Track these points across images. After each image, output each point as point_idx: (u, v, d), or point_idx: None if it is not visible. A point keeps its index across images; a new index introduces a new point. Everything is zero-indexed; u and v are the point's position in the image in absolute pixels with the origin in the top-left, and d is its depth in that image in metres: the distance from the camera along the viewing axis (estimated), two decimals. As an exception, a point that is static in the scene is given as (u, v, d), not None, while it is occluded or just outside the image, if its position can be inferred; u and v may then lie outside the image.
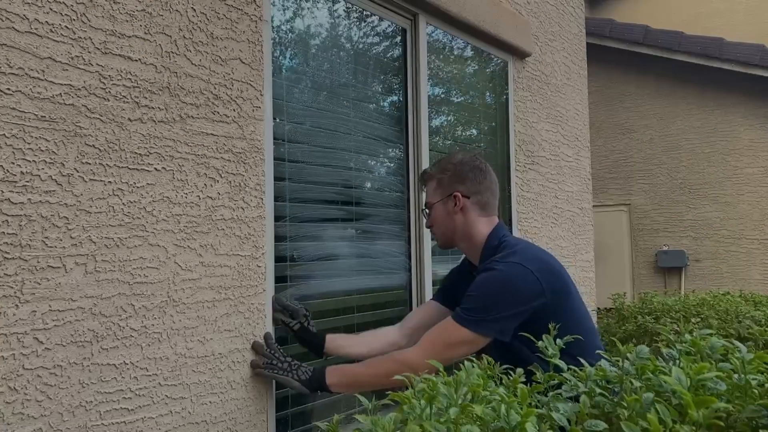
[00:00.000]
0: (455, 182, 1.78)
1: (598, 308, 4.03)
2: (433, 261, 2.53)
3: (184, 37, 1.58)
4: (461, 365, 1.03)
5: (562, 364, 1.13)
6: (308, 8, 2.13)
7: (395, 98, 2.50)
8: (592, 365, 1.31)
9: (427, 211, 1.85)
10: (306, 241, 2.07)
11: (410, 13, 2.51)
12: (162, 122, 1.51)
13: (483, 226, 1.77)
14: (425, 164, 2.51)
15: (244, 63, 1.73)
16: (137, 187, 1.45)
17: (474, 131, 3.03)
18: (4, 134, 1.23)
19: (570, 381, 1.02)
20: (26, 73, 1.26)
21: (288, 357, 1.72)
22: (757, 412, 0.80)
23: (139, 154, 1.46)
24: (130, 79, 1.45)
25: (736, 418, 0.82)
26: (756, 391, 0.86)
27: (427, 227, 1.88)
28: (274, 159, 1.85)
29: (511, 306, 1.56)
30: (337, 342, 1.89)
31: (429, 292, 2.49)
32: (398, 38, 2.52)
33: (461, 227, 1.78)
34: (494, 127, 3.10)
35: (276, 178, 1.87)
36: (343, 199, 2.22)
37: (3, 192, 1.22)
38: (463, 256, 1.92)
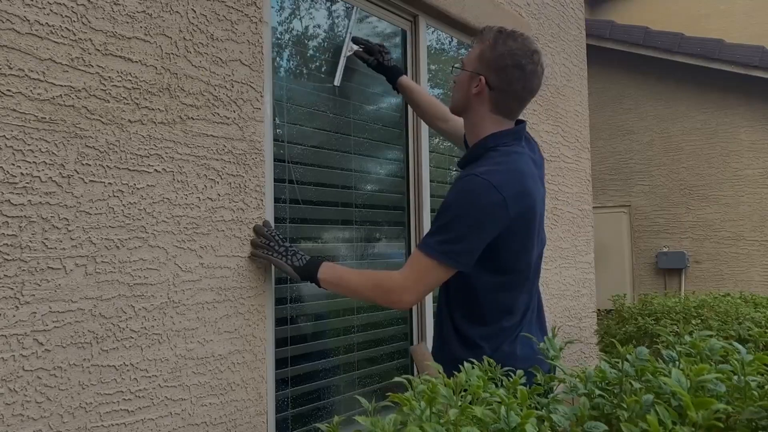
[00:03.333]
0: (490, 67, 1.61)
1: (599, 310, 4.03)
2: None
3: (185, 39, 1.58)
4: (461, 366, 1.03)
5: (564, 367, 1.13)
6: (308, 10, 2.14)
7: (395, 100, 2.50)
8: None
9: (459, 69, 1.72)
10: (306, 243, 2.07)
11: (410, 15, 2.51)
12: (162, 123, 1.51)
13: (490, 123, 1.65)
14: (425, 166, 2.51)
15: (244, 64, 1.73)
16: (137, 189, 1.45)
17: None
18: (4, 135, 1.23)
19: (569, 382, 1.02)
20: (26, 75, 1.26)
21: (286, 242, 1.71)
22: (757, 413, 0.80)
23: (140, 155, 1.46)
24: (130, 80, 1.45)
25: (736, 420, 0.82)
26: (755, 392, 0.86)
27: (454, 81, 1.76)
28: (274, 160, 1.86)
29: (474, 233, 1.53)
30: (409, 84, 2.19)
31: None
32: (398, 40, 2.52)
33: (471, 110, 1.68)
34: (494, 128, 3.10)
35: (276, 180, 1.87)
36: (343, 200, 2.22)
37: (3, 193, 1.22)
38: None
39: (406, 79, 2.20)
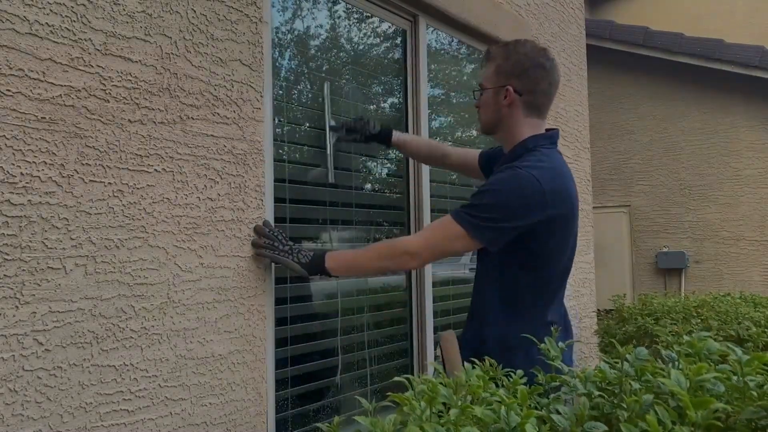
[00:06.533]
0: (512, 75, 1.69)
1: (598, 310, 4.03)
2: (432, 262, 2.53)
3: (184, 39, 1.58)
4: (461, 366, 1.03)
5: (563, 367, 1.13)
6: (308, 9, 2.14)
7: (395, 99, 2.50)
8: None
9: (479, 92, 1.78)
10: (306, 243, 2.07)
11: (410, 15, 2.51)
12: (162, 123, 1.51)
13: (526, 127, 1.70)
14: (425, 166, 2.51)
15: (244, 64, 1.73)
16: (137, 189, 1.45)
17: (474, 132, 3.03)
18: (4, 135, 1.23)
19: (570, 383, 1.02)
20: (26, 75, 1.26)
21: (290, 241, 1.73)
22: (756, 413, 0.80)
23: (139, 155, 1.46)
24: (130, 80, 1.45)
25: (735, 420, 0.82)
26: (754, 392, 0.86)
27: (475, 107, 1.82)
28: (274, 160, 1.86)
29: (509, 219, 1.56)
30: (402, 138, 2.20)
31: (429, 293, 2.49)
32: (398, 39, 2.52)
33: (505, 121, 1.72)
34: (494, 128, 3.09)
35: (276, 180, 1.87)
36: (343, 200, 2.22)
37: (3, 193, 1.22)
38: None
39: (397, 135, 2.18)
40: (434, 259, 1.70)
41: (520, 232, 1.58)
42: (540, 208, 1.56)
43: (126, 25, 1.45)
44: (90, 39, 1.38)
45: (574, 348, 3.50)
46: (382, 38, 2.48)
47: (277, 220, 1.87)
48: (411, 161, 2.49)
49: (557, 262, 1.68)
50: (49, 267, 1.29)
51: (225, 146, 1.66)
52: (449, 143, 2.81)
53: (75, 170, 1.34)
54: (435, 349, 2.29)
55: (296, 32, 2.09)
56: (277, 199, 1.88)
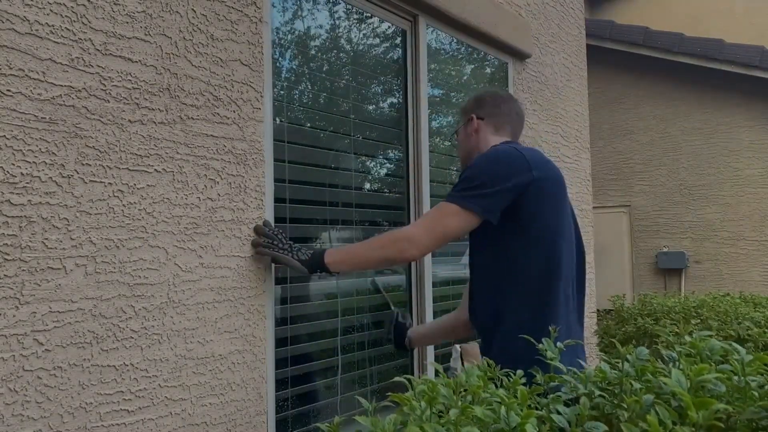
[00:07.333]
0: (474, 107, 1.88)
1: (598, 310, 4.03)
2: (432, 262, 2.53)
3: (185, 39, 1.58)
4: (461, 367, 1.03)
5: (562, 366, 1.12)
6: (308, 10, 2.14)
7: (395, 99, 2.50)
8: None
9: (456, 136, 1.96)
10: (306, 243, 2.07)
11: (410, 15, 2.51)
12: (162, 123, 1.51)
13: (495, 141, 1.81)
14: (425, 165, 2.51)
15: (244, 64, 1.73)
16: (137, 189, 1.45)
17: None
18: (4, 135, 1.23)
19: (570, 383, 1.01)
20: (26, 75, 1.26)
21: (289, 240, 1.74)
22: (757, 413, 0.80)
23: (140, 155, 1.46)
24: (130, 80, 1.45)
25: (736, 420, 0.82)
26: (756, 392, 0.86)
27: (458, 156, 1.99)
28: (274, 160, 1.86)
29: (495, 181, 1.60)
30: (416, 329, 2.11)
31: (429, 293, 2.49)
32: (398, 40, 2.52)
33: (476, 147, 1.83)
34: (494, 128, 3.09)
35: (276, 180, 1.87)
36: (343, 200, 2.22)
37: (3, 193, 1.22)
38: None
39: (412, 332, 2.08)
40: (433, 243, 1.67)
41: (511, 199, 1.58)
42: (524, 170, 1.61)
43: (126, 25, 1.45)
44: (90, 39, 1.38)
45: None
46: (382, 38, 2.48)
47: (277, 220, 1.87)
48: (411, 161, 2.49)
49: (548, 231, 1.63)
50: (49, 267, 1.29)
51: (225, 146, 1.66)
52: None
53: (75, 170, 1.34)
54: (451, 361, 2.21)
55: (296, 32, 2.09)
56: (277, 199, 1.88)
